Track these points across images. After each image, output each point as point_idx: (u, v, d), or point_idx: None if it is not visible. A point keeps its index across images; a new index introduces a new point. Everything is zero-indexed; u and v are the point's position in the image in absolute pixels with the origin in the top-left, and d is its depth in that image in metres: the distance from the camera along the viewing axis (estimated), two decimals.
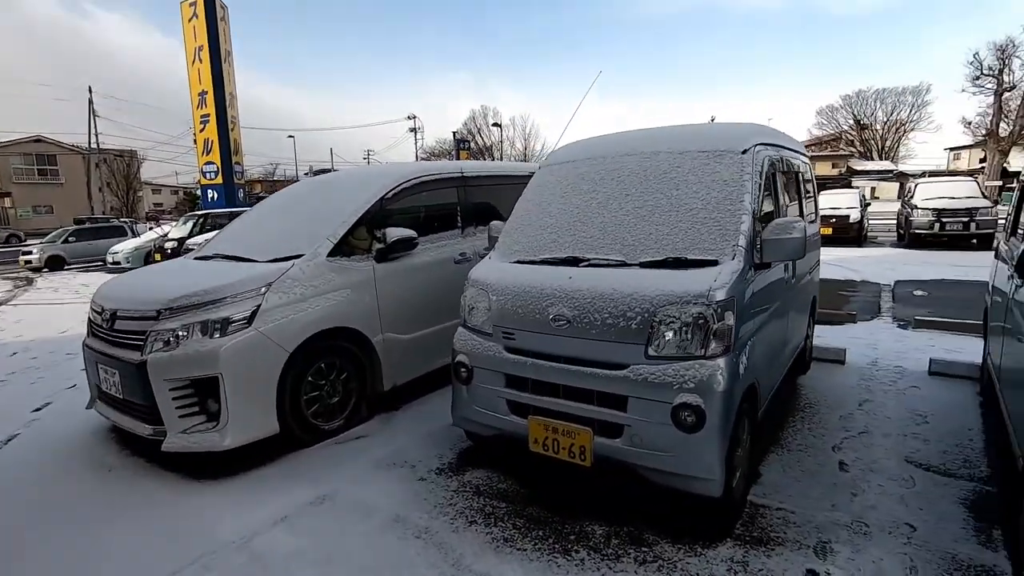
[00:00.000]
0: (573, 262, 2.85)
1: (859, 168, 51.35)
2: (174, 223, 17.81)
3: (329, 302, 3.55)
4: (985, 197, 14.41)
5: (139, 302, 3.36)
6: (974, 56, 37.26)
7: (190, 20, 18.90)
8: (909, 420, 3.58)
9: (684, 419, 2.32)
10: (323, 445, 3.49)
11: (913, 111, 53.94)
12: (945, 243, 13.27)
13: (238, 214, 14.31)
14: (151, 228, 20.58)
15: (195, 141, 20.15)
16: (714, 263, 2.53)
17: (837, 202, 15.92)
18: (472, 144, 41.85)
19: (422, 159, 46.31)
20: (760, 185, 2.84)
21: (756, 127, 3.25)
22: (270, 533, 2.60)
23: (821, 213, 15.88)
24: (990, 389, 3.82)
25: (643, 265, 2.66)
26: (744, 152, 2.88)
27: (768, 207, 3.00)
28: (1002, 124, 35.81)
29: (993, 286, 3.77)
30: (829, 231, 15.08)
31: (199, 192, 21.75)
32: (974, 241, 13.26)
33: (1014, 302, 2.91)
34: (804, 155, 4.35)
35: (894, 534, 2.42)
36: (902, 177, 50.36)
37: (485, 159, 48.24)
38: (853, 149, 55.23)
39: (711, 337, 2.35)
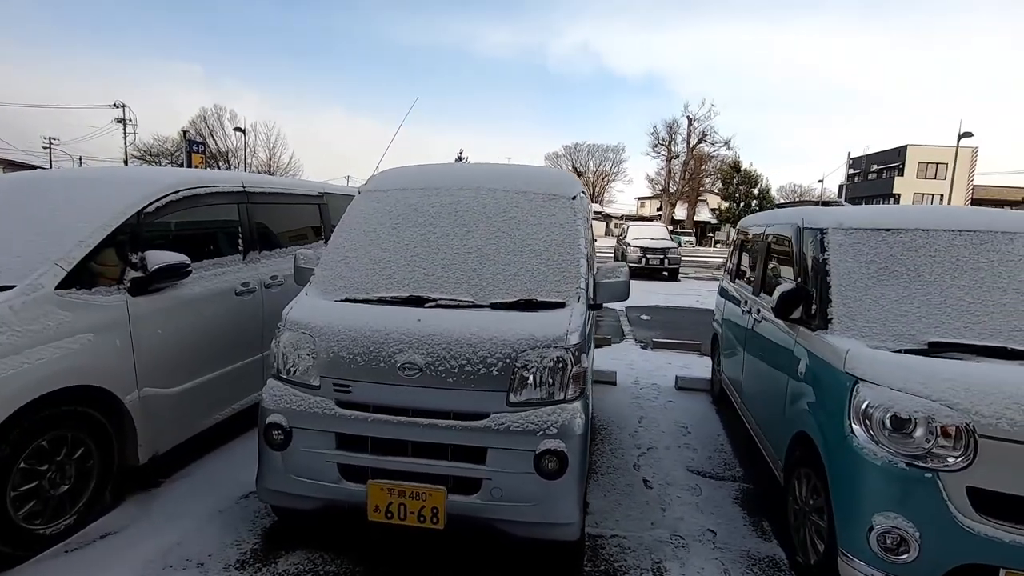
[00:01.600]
0: (418, 302, 2.60)
1: None
2: None
3: (58, 353, 2.55)
4: (671, 239, 18.55)
5: None
6: (653, 128, 47.97)
7: None
8: (678, 432, 4.23)
9: (547, 466, 2.28)
10: (49, 555, 2.45)
11: (614, 165, 66.67)
12: (647, 274, 16.51)
13: None
14: None
15: None
16: (562, 305, 2.59)
17: None
18: (206, 148, 36.38)
19: (134, 159, 38.31)
20: (587, 230, 3.04)
21: (573, 176, 3.49)
22: None
23: None
24: (722, 399, 4.79)
25: (494, 307, 2.57)
26: (574, 198, 3.05)
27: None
28: (671, 183, 46.76)
29: (724, 318, 4.76)
30: None
31: None
32: (665, 273, 16.88)
33: (753, 334, 3.70)
34: None
35: (703, 542, 2.78)
36: (607, 219, 61.70)
37: (220, 165, 42.51)
38: None
39: (570, 381, 2.37)
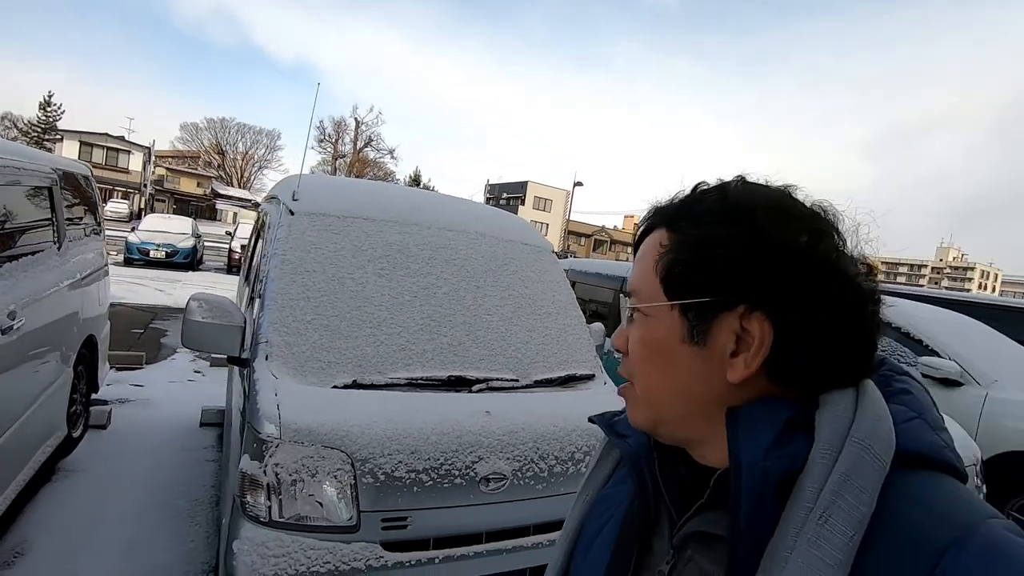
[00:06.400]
0: (459, 383, 1.99)
1: (222, 192, 53.40)
2: None
3: None
4: None
5: None
6: (320, 123, 46.35)
7: None
8: None
9: None
10: None
11: (268, 151, 61.08)
12: None
13: None
14: None
15: None
16: (591, 377, 2.40)
17: None
18: None
19: None
20: None
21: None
22: None
23: (242, 243, 15.89)
24: None
25: (538, 384, 2.19)
26: (553, 251, 2.84)
27: None
28: None
29: None
30: None
31: None
32: None
33: None
34: None
35: None
36: (257, 207, 55.98)
37: None
38: (215, 172, 57.00)
39: None
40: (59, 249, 3.17)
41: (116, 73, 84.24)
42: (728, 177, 0.55)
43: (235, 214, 54.41)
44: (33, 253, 2.83)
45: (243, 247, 15.00)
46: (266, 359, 1.82)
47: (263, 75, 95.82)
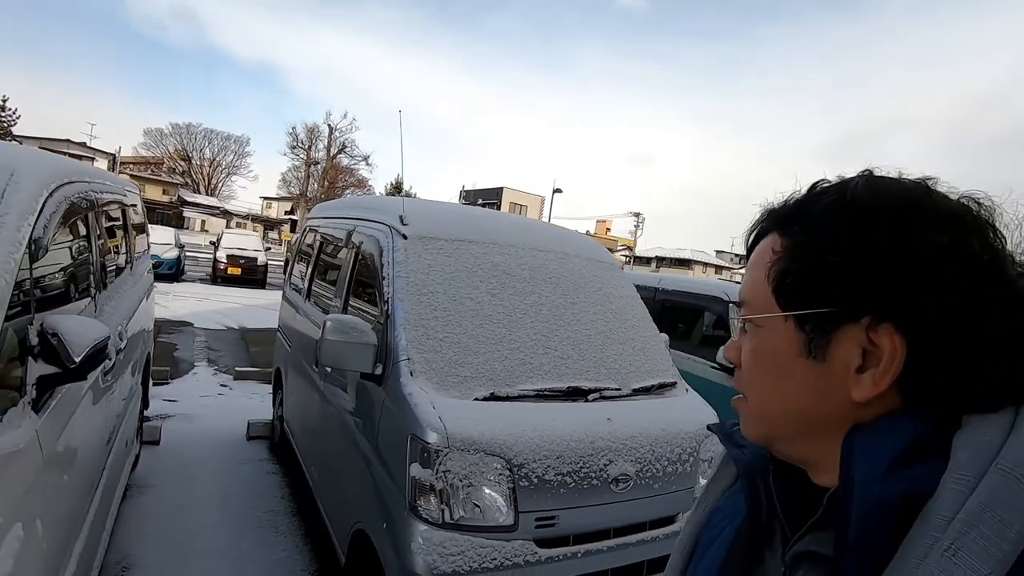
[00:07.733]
0: (577, 393, 2.17)
1: (189, 199, 52.05)
2: None
3: None
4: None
5: None
6: (292, 129, 45.80)
7: None
8: None
9: None
10: None
11: (237, 158, 59.88)
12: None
13: None
14: None
15: None
16: (674, 384, 2.61)
17: (244, 243, 16.04)
18: None
19: None
20: None
21: None
22: None
23: (228, 253, 15.52)
24: None
25: (635, 392, 2.39)
26: (621, 268, 3.05)
27: None
28: (309, 188, 45.44)
29: None
30: (238, 271, 15.06)
31: None
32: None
33: None
34: None
35: None
36: (227, 215, 54.69)
37: None
38: (180, 179, 55.60)
39: None
40: (131, 269, 3.23)
41: (75, 77, 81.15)
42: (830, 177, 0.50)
43: (203, 222, 53.29)
44: (119, 273, 2.89)
45: (230, 257, 14.89)
46: (411, 375, 1.97)
47: (229, 80, 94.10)
